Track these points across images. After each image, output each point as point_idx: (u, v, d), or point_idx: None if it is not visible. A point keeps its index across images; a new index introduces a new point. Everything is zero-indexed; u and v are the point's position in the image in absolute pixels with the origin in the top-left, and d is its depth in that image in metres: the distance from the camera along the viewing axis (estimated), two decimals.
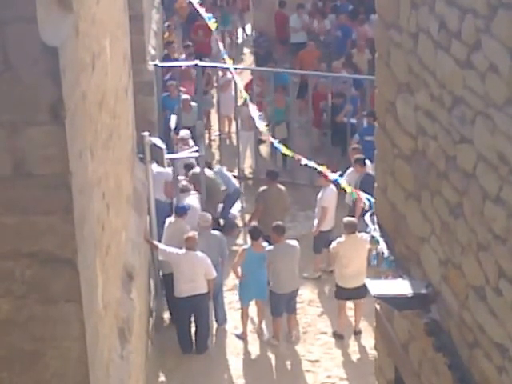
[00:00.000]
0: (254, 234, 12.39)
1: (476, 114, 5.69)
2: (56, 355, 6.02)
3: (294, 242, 12.29)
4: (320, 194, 13.67)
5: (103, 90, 8.24)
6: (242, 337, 12.58)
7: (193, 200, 13.71)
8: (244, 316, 12.60)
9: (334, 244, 12.39)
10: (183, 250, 11.86)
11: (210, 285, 11.93)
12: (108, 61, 8.75)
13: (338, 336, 12.54)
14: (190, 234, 12.01)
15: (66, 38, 5.73)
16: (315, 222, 13.79)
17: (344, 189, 12.44)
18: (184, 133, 15.64)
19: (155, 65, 16.38)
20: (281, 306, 12.26)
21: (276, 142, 13.59)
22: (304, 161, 12.92)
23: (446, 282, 6.48)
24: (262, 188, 14.21)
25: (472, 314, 6.02)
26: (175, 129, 15.96)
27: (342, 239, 12.28)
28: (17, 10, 5.35)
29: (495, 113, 5.39)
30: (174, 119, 16.15)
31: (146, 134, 12.78)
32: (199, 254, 11.86)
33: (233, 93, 16.80)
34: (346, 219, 12.34)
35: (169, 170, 14.00)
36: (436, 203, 6.58)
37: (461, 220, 6.09)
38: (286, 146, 16.19)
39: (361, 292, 11.94)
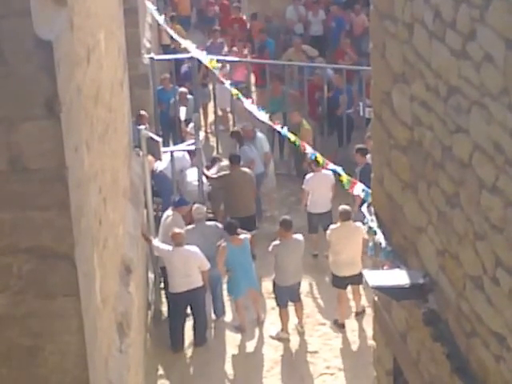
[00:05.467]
0: (230, 229, 12.40)
1: (472, 103, 5.69)
2: (55, 350, 6.02)
3: (300, 237, 12.29)
4: (305, 178, 13.94)
5: (98, 83, 8.22)
6: (241, 329, 12.60)
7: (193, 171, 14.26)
8: (239, 309, 12.62)
9: (328, 231, 12.54)
10: (174, 249, 11.82)
11: (204, 276, 11.93)
12: (103, 54, 8.73)
13: (339, 325, 12.56)
14: (177, 230, 11.97)
15: (60, 31, 5.71)
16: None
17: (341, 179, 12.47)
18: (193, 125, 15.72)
19: (150, 58, 16.35)
20: (285, 296, 12.29)
21: (283, 130, 13.57)
22: (308, 149, 12.89)
23: (443, 271, 6.49)
24: (224, 172, 14.25)
25: (469, 304, 6.03)
26: (185, 120, 16.10)
27: (335, 226, 12.39)
28: (11, 5, 5.33)
29: (491, 102, 5.39)
30: (183, 111, 16.20)
31: (143, 127, 12.78)
32: (190, 247, 11.83)
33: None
34: (341, 207, 12.42)
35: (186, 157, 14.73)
36: (433, 193, 6.58)
37: (457, 210, 6.09)
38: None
39: (357, 279, 11.99)
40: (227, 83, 14.92)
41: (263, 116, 13.83)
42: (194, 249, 11.85)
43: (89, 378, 6.15)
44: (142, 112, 15.19)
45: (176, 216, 12.81)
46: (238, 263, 12.29)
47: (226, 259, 12.28)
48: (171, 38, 19.54)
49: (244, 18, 22.36)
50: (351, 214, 12.18)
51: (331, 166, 12.40)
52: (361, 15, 20.39)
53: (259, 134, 15.59)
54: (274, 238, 12.43)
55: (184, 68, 18.37)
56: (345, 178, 12.23)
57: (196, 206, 13.02)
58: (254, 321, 12.75)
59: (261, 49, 19.51)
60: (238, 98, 14.58)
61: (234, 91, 14.58)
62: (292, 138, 13.18)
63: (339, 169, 12.12)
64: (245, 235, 12.54)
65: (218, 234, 12.67)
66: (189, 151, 14.56)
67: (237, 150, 15.11)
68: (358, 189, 11.41)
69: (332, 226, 12.48)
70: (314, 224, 14.11)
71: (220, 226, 12.89)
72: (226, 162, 14.56)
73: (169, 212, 12.91)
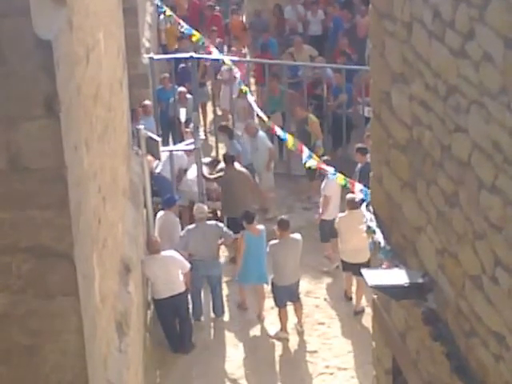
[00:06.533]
0: (248, 218, 12.45)
1: (471, 102, 5.70)
2: (54, 349, 6.02)
3: (298, 236, 12.30)
4: (323, 183, 13.70)
5: (98, 83, 8.23)
6: (243, 306, 12.84)
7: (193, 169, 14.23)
8: (242, 292, 12.84)
9: (337, 219, 12.62)
10: (151, 256, 11.78)
11: (186, 278, 11.91)
12: (102, 54, 8.73)
13: (348, 298, 12.94)
14: (153, 238, 11.96)
15: (59, 31, 5.71)
16: (320, 211, 13.87)
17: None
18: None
19: (150, 57, 16.35)
20: (283, 296, 12.31)
21: (282, 133, 13.61)
22: (305, 153, 12.91)
23: (442, 271, 6.50)
24: (220, 172, 14.28)
25: (469, 303, 6.03)
26: (185, 122, 16.10)
27: (343, 214, 12.46)
28: (10, 4, 5.33)
29: (490, 101, 5.39)
30: (183, 112, 16.23)
31: (142, 126, 12.79)
32: (168, 253, 11.80)
33: (236, 85, 16.80)
34: (349, 195, 12.38)
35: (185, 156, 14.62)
36: (432, 193, 6.58)
37: (457, 209, 6.09)
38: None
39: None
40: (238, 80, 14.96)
41: (264, 116, 13.86)
42: (172, 253, 11.83)
43: (88, 377, 6.15)
44: (147, 102, 15.21)
45: (168, 215, 12.82)
46: (251, 254, 12.36)
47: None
48: (179, 38, 19.51)
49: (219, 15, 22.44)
50: (358, 202, 12.07)
51: (330, 169, 12.44)
52: (366, 17, 20.33)
53: (261, 133, 15.62)
54: (274, 237, 12.44)
55: (181, 67, 18.34)
56: (343, 180, 12.23)
57: (197, 205, 13.04)
58: (254, 320, 12.77)
59: (263, 48, 19.47)
60: (245, 94, 14.59)
61: (244, 88, 14.60)
62: (290, 141, 13.24)
63: (332, 169, 12.18)
64: (262, 226, 12.57)
65: (218, 234, 12.68)
66: (187, 150, 14.58)
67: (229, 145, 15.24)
68: (357, 188, 11.45)
69: (340, 215, 12.57)
70: (326, 231, 13.80)
71: (221, 225, 12.90)
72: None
73: (161, 212, 12.94)
